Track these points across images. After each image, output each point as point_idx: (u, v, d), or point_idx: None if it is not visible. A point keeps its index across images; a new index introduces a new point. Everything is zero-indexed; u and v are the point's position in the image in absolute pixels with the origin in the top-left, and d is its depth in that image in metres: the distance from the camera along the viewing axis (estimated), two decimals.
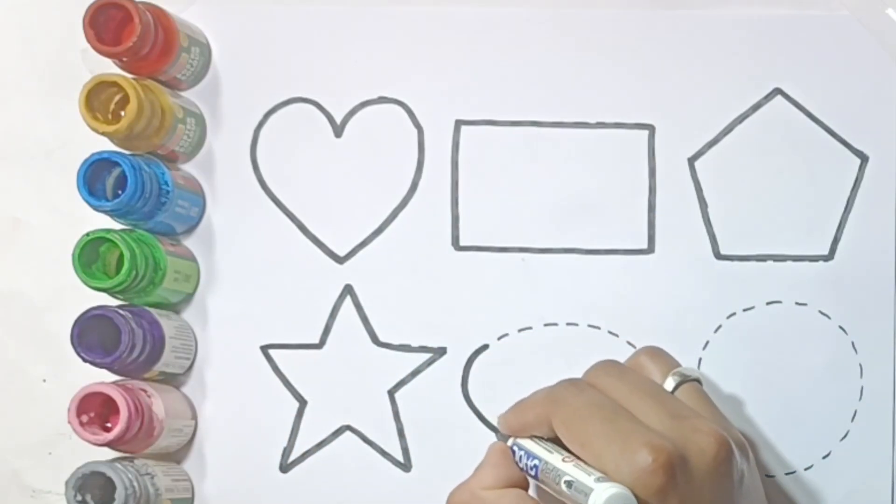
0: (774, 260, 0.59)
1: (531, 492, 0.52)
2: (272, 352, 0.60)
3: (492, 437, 0.59)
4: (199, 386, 0.60)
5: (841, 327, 0.59)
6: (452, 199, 0.60)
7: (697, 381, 0.53)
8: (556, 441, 0.51)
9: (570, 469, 0.48)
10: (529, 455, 0.51)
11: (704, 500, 0.48)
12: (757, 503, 0.51)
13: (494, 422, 0.59)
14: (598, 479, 0.47)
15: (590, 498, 0.46)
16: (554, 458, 0.50)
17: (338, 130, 0.60)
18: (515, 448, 0.53)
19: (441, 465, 0.59)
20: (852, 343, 0.59)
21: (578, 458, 0.49)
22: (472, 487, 0.52)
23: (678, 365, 0.54)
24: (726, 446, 0.48)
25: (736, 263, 0.59)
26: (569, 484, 0.48)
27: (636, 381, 0.52)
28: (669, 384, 0.53)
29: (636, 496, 0.46)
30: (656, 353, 0.55)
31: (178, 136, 0.58)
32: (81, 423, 0.54)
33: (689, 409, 0.50)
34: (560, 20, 0.60)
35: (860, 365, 0.59)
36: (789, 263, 0.59)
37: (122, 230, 0.56)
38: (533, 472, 0.51)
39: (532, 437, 0.52)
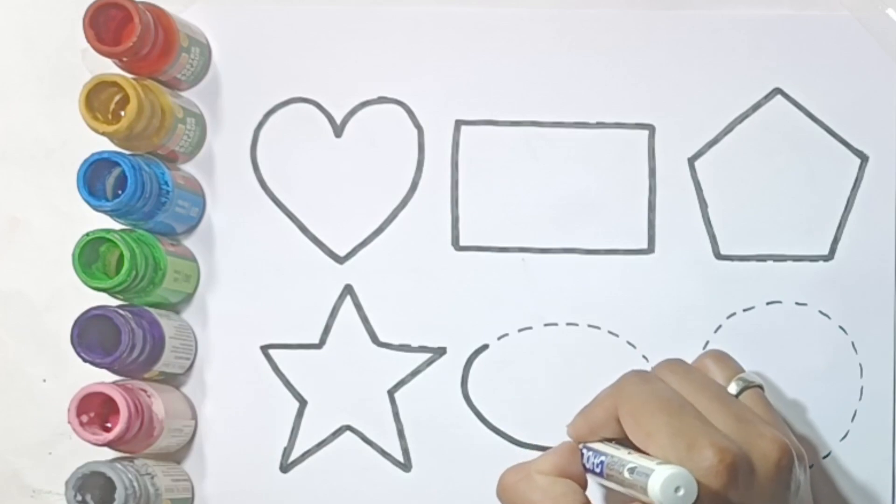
0: (774, 260, 0.59)
1: (590, 494, 0.52)
2: (272, 352, 0.60)
3: (492, 437, 0.59)
4: (199, 386, 0.60)
5: (841, 327, 0.59)
6: (452, 199, 0.60)
7: (760, 387, 0.53)
8: (622, 443, 0.51)
9: (634, 458, 0.48)
10: (597, 453, 0.51)
11: None
12: None
13: (494, 421, 0.59)
14: (659, 463, 0.47)
15: (650, 478, 0.46)
16: (620, 452, 0.50)
17: (338, 130, 0.60)
18: (584, 450, 0.52)
19: (441, 465, 0.59)
20: (852, 343, 0.59)
21: (644, 452, 0.49)
22: (528, 469, 0.51)
23: (742, 370, 0.54)
24: (788, 454, 0.49)
25: (736, 263, 0.59)
26: (632, 470, 0.48)
27: (703, 381, 0.52)
28: (733, 389, 0.53)
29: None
30: (721, 357, 0.55)
31: (178, 136, 0.58)
32: (81, 423, 0.54)
33: (753, 414, 0.50)
34: (560, 20, 0.60)
35: (860, 365, 0.59)
36: (789, 263, 0.59)
37: (122, 230, 0.56)
38: (599, 470, 0.51)
39: (602, 439, 0.52)
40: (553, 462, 0.52)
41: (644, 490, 0.47)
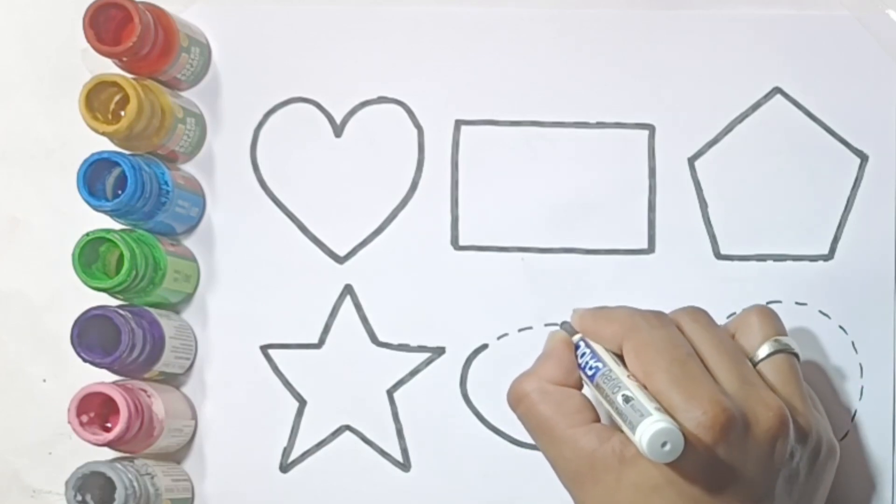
0: (774, 260, 0.59)
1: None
2: (272, 352, 0.60)
3: (491, 437, 0.59)
4: (199, 386, 0.60)
5: (841, 327, 0.59)
6: (452, 199, 0.60)
7: (796, 355, 0.52)
8: (621, 357, 0.51)
9: (632, 387, 0.48)
10: (594, 356, 0.51)
11: (745, 469, 0.47)
12: (803, 495, 0.50)
13: (493, 421, 0.59)
14: (657, 408, 0.46)
15: (644, 420, 0.46)
16: (619, 369, 0.49)
17: (338, 130, 0.60)
18: (581, 344, 0.52)
19: (440, 465, 0.59)
20: (852, 343, 0.59)
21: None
22: (539, 377, 0.51)
23: (784, 333, 0.53)
24: (785, 425, 0.48)
25: (736, 263, 0.59)
26: (626, 399, 0.47)
27: (720, 337, 0.51)
28: (766, 349, 0.52)
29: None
30: (767, 315, 0.53)
31: (178, 136, 0.58)
32: (81, 423, 0.54)
33: (761, 379, 0.50)
34: (560, 20, 0.60)
35: (860, 365, 0.59)
36: (789, 263, 0.59)
37: (122, 230, 0.56)
38: (590, 373, 0.50)
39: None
40: (560, 369, 0.51)
41: (630, 425, 0.46)
